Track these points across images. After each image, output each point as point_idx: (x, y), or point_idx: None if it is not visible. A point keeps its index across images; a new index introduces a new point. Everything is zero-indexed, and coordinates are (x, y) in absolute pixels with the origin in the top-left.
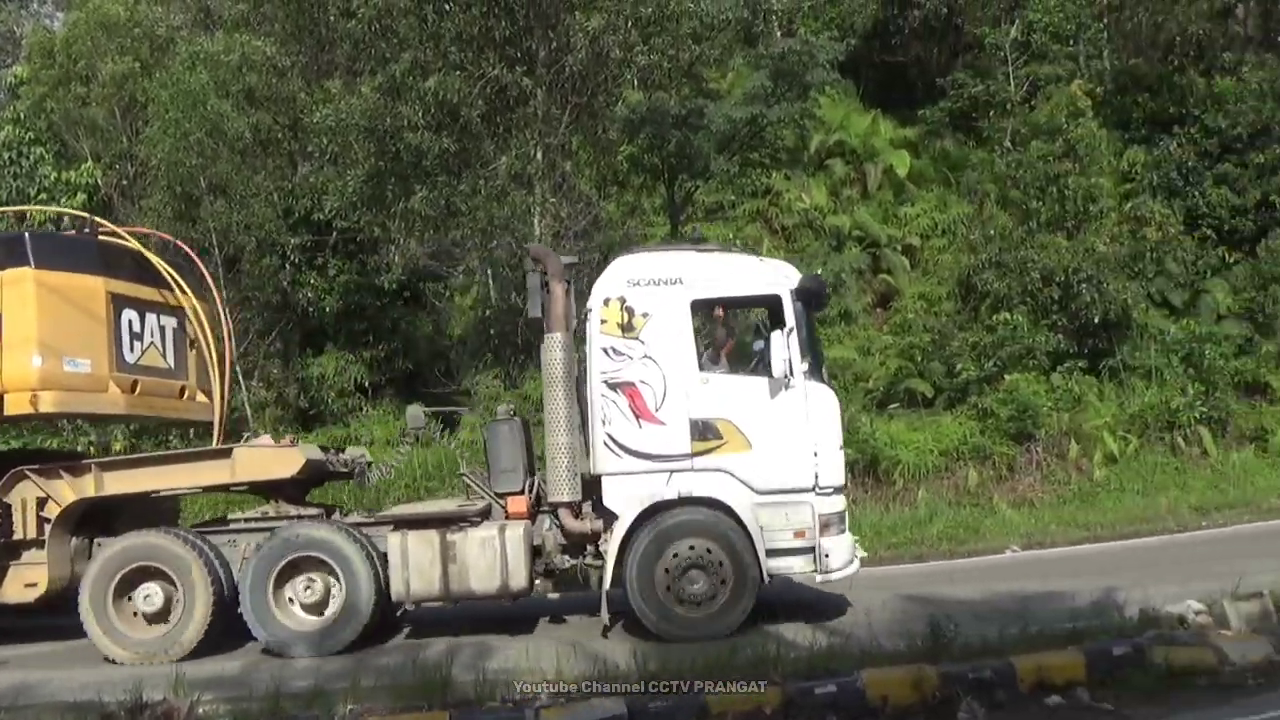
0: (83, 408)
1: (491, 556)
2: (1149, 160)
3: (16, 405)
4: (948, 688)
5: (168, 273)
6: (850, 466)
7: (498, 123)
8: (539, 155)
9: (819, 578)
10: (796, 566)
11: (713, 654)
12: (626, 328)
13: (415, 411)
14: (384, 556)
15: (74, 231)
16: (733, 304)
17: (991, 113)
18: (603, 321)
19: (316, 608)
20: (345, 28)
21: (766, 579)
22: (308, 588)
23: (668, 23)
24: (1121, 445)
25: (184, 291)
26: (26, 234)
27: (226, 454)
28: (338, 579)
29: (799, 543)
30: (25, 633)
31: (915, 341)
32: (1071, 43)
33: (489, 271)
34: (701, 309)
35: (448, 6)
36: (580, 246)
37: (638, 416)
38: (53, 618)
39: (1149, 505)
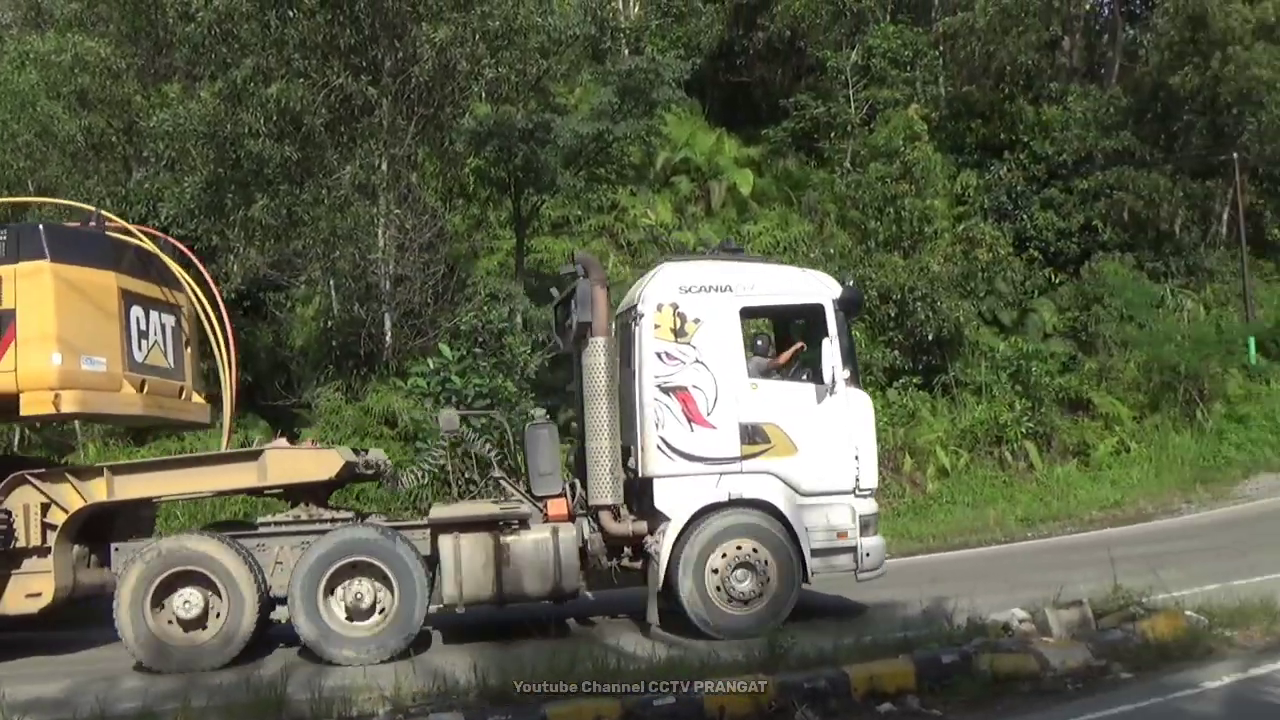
0: (101, 408)
1: (545, 558)
2: (981, 184)
3: (36, 405)
4: (784, 697)
5: (176, 269)
6: None
7: (342, 132)
8: (384, 166)
9: (860, 576)
10: (838, 566)
11: (553, 665)
12: (679, 333)
13: (449, 415)
14: (429, 560)
15: (79, 224)
16: (778, 312)
17: (832, 134)
18: (656, 326)
19: (364, 613)
20: (184, 31)
21: (810, 578)
22: (358, 593)
23: (515, 37)
24: (953, 459)
25: (191, 289)
26: (41, 225)
27: (256, 456)
28: (389, 584)
29: (841, 543)
30: None
31: None
32: (909, 69)
33: (331, 282)
34: (749, 316)
35: (291, 13)
36: (425, 259)
37: (690, 420)
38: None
39: (978, 517)
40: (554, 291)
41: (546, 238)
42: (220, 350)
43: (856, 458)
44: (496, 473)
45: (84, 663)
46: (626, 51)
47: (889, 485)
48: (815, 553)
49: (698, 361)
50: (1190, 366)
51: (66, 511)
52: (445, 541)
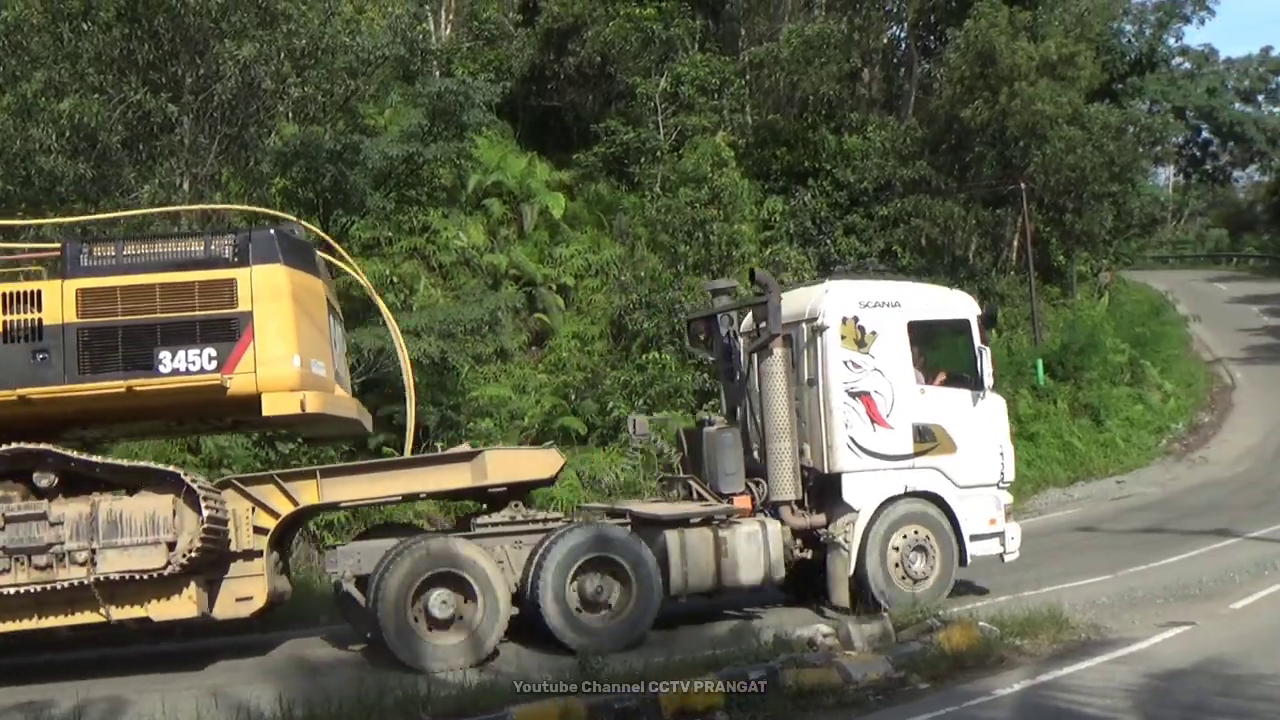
0: (330, 410)
1: (757, 549)
2: (786, 209)
3: (281, 405)
4: (595, 718)
5: (366, 283)
6: None
7: (140, 150)
8: (185, 185)
9: (1006, 558)
10: (988, 550)
11: (361, 697)
12: (860, 343)
13: (641, 420)
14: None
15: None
16: (936, 326)
17: (642, 159)
18: (841, 337)
19: (595, 606)
20: None
21: (967, 561)
22: (599, 587)
23: (323, 56)
24: None
25: (380, 300)
26: (273, 230)
27: (471, 457)
28: (625, 577)
29: (990, 529)
30: None
31: (569, 380)
32: (716, 97)
33: None
34: (914, 329)
35: (85, 26)
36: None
37: (873, 421)
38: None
39: None
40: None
41: (357, 259)
42: (404, 358)
43: (1001, 454)
44: (683, 474)
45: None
46: (437, 73)
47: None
48: (972, 538)
49: (876, 369)
50: None
51: (276, 516)
52: (672, 537)
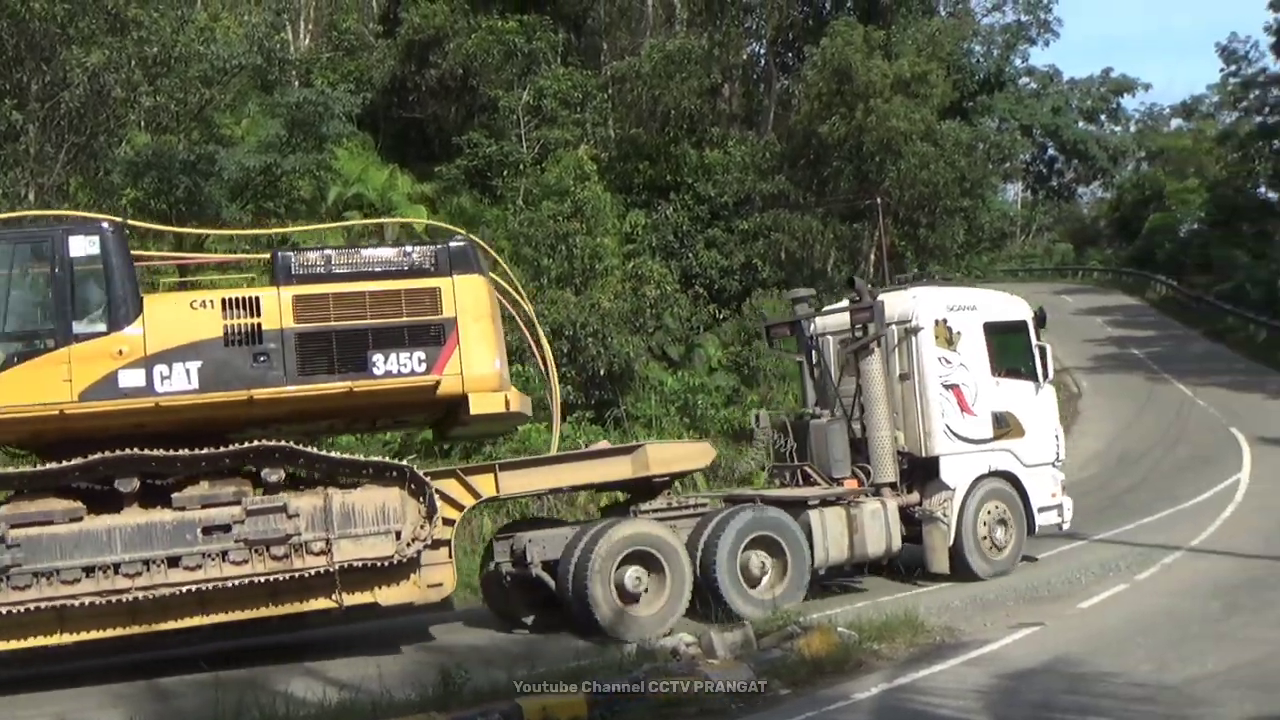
0: (523, 407)
1: (880, 525)
2: (649, 223)
3: (487, 404)
4: None
5: (513, 284)
6: None
7: None
8: (30, 195)
9: (1064, 527)
10: (1050, 521)
11: (217, 714)
12: (950, 342)
13: (764, 414)
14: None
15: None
16: (1003, 326)
17: (505, 172)
18: (935, 338)
19: (754, 579)
20: None
21: (1035, 530)
22: (761, 563)
23: (176, 64)
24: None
25: (522, 298)
26: (467, 243)
27: (631, 451)
28: (780, 553)
29: (1052, 501)
30: None
31: None
32: (579, 110)
33: None
34: (988, 329)
35: None
36: None
37: (962, 410)
38: None
39: None
40: (764, 314)
41: (212, 273)
42: (546, 355)
43: (1056, 437)
44: (798, 461)
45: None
46: (296, 84)
47: (564, 518)
48: (1040, 510)
49: (962, 364)
50: None
51: (460, 508)
52: (815, 516)
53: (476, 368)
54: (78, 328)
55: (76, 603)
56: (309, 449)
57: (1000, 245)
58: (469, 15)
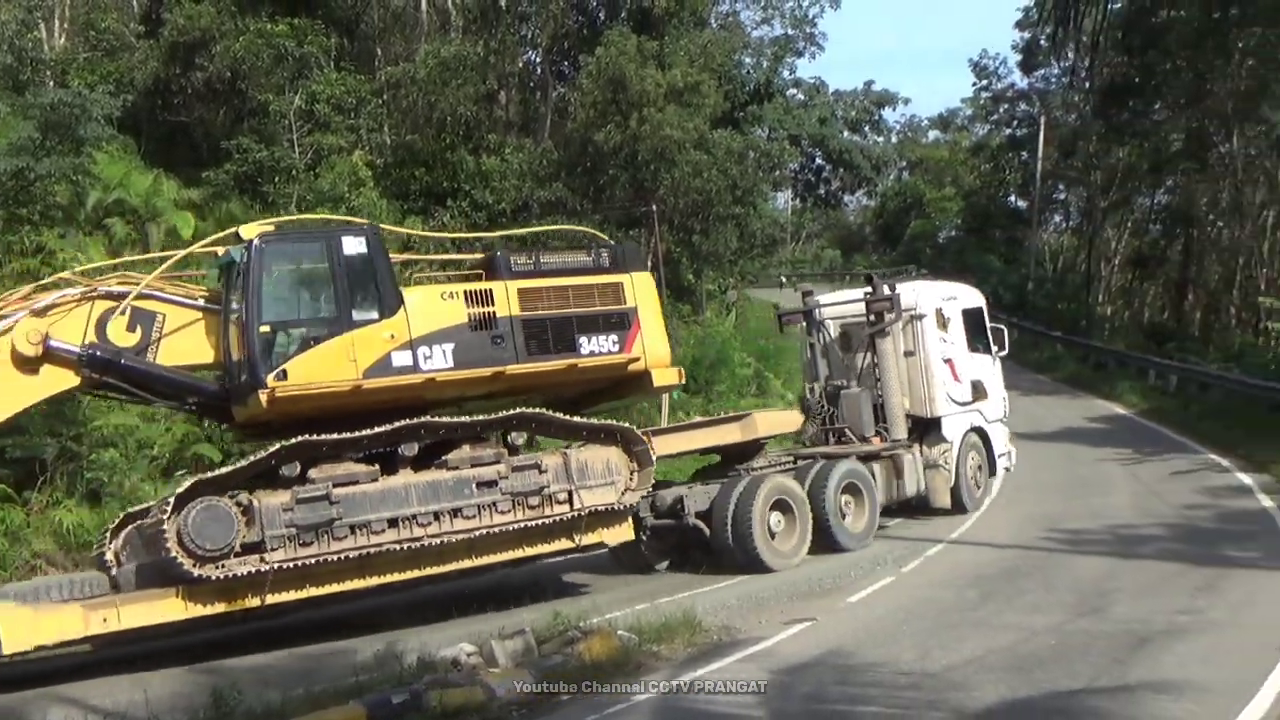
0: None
1: (915, 472)
2: (428, 229)
3: (666, 378)
4: None
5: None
6: None
7: None
8: None
9: (1010, 469)
10: (1003, 465)
11: None
12: (944, 325)
13: (816, 388)
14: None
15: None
16: (972, 312)
17: (277, 178)
18: (935, 322)
19: (844, 518)
20: None
21: (995, 472)
22: (847, 501)
23: None
24: None
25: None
26: (625, 245)
27: (741, 419)
28: (862, 495)
29: (1004, 449)
30: None
31: None
32: (353, 116)
33: None
34: (964, 314)
35: None
36: None
37: (955, 380)
38: None
39: None
40: (777, 305)
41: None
42: None
43: (1004, 398)
44: (839, 424)
45: None
46: (51, 84)
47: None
48: (998, 456)
49: (951, 343)
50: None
51: (634, 470)
52: (875, 466)
53: (655, 348)
54: (356, 315)
55: (379, 550)
56: (557, 415)
57: (772, 251)
58: (236, 17)
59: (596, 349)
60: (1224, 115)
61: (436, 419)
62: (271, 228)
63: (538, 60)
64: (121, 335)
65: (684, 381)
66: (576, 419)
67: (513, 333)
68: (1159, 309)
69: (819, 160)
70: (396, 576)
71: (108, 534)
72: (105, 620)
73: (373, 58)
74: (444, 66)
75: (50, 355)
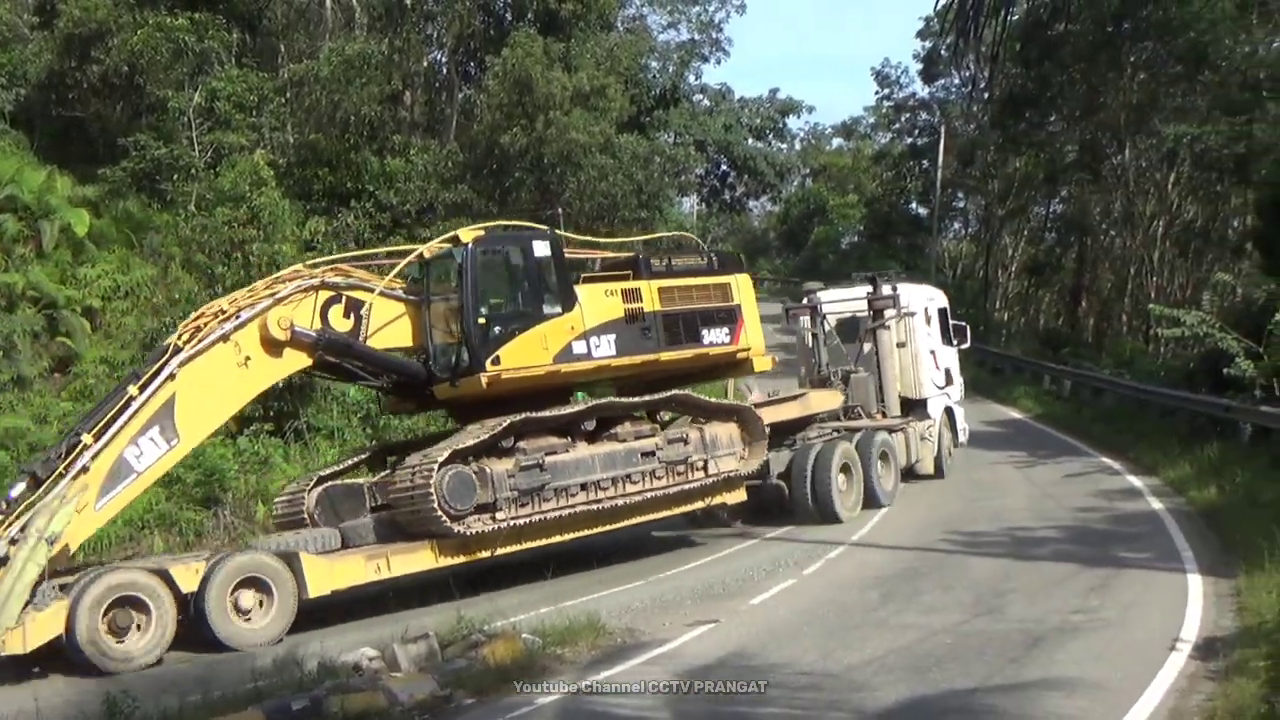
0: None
1: (915, 444)
2: (330, 230)
3: (763, 364)
4: None
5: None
6: None
7: None
8: None
9: (964, 442)
10: (963, 439)
11: None
12: (928, 321)
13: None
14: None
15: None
16: (943, 310)
17: (176, 176)
18: (924, 320)
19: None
20: None
21: (961, 442)
22: (884, 464)
23: None
24: None
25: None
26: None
27: (799, 398)
28: (889, 461)
29: (963, 425)
30: None
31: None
32: (255, 114)
33: None
34: (939, 312)
35: None
36: None
37: (935, 367)
38: None
39: None
40: (786, 300)
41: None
42: None
43: (962, 384)
44: (852, 403)
45: None
46: None
47: (242, 534)
48: (960, 431)
49: (932, 336)
50: None
51: (745, 443)
52: (894, 437)
53: (755, 339)
54: (546, 309)
55: (572, 511)
56: (700, 396)
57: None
58: (134, 10)
59: (715, 340)
60: (1116, 127)
61: (618, 399)
62: (482, 232)
63: (443, 60)
64: (340, 321)
65: (776, 366)
66: (712, 399)
67: (656, 325)
68: (1054, 315)
69: (724, 166)
70: (584, 532)
71: (304, 494)
72: (378, 569)
73: (275, 54)
74: (348, 65)
75: (294, 340)
